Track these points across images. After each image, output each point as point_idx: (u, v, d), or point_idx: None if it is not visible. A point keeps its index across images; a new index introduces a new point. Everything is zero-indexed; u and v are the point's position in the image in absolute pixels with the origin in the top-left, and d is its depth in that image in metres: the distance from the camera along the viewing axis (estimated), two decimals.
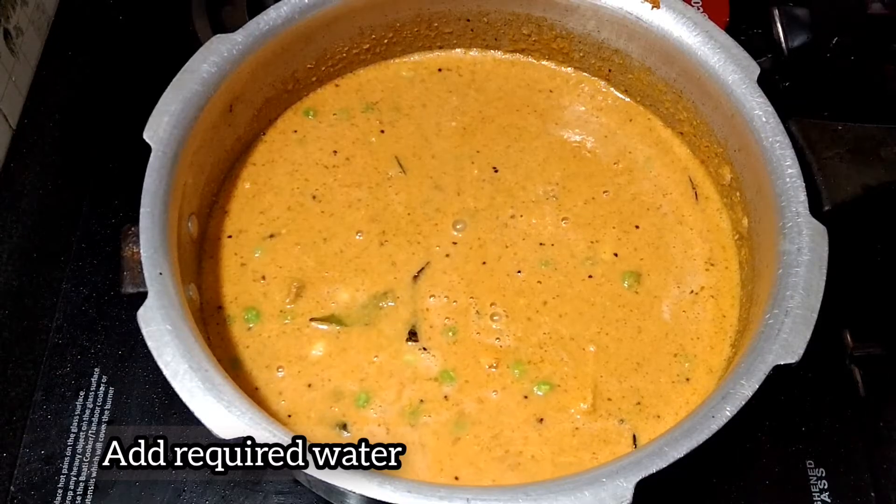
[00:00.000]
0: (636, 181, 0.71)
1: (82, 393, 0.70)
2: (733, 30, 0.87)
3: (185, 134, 0.62)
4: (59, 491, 0.66)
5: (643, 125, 0.74)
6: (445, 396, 0.61)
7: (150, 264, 0.56)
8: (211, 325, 0.64)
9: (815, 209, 0.60)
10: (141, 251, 0.57)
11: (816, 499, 0.66)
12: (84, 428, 0.68)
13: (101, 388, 0.70)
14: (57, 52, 0.88)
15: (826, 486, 0.67)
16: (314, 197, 0.70)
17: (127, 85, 0.85)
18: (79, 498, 0.65)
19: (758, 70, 0.65)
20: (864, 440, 0.69)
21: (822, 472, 0.67)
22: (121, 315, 0.73)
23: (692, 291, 0.66)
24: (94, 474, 0.66)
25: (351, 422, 0.61)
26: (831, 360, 0.71)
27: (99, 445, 0.67)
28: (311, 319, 0.64)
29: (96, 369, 0.71)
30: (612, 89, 0.76)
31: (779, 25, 0.86)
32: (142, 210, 0.58)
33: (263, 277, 0.66)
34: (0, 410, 0.69)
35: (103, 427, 0.68)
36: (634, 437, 0.60)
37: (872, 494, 0.66)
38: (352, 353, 0.63)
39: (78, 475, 0.66)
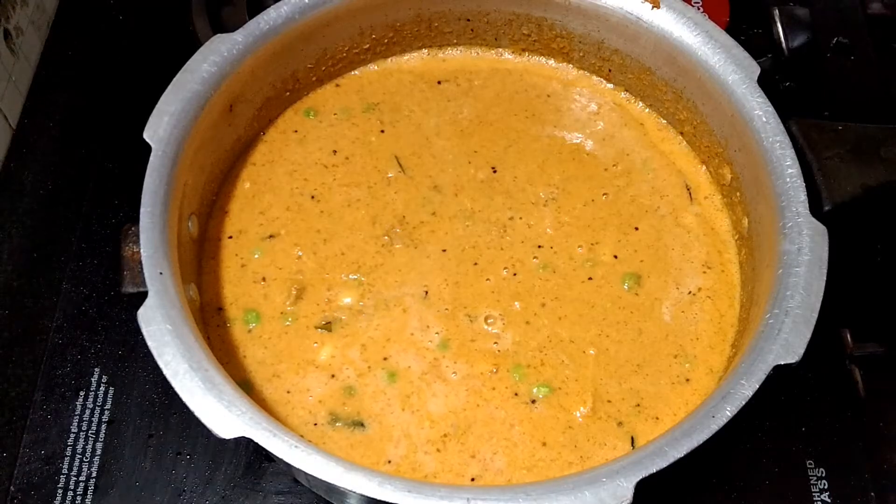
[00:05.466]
0: (635, 183, 0.71)
1: (82, 393, 0.70)
2: (733, 30, 0.87)
3: (185, 134, 0.62)
4: (59, 491, 0.66)
5: (643, 126, 0.74)
6: (447, 397, 0.62)
7: (150, 264, 0.56)
8: (211, 326, 0.64)
9: (816, 209, 0.60)
10: (141, 251, 0.57)
11: (816, 499, 0.66)
12: (84, 428, 0.68)
13: (101, 388, 0.70)
14: (57, 52, 0.88)
15: (826, 486, 0.67)
16: (313, 197, 0.70)
17: (127, 85, 0.85)
18: (79, 498, 0.66)
19: (758, 70, 0.65)
20: (864, 440, 0.69)
21: (822, 472, 0.67)
22: (121, 315, 0.73)
23: (690, 292, 0.66)
24: (94, 474, 0.66)
25: (366, 419, 0.61)
26: (831, 360, 0.71)
27: (99, 445, 0.67)
28: (317, 328, 0.64)
29: (96, 369, 0.71)
30: (611, 88, 0.76)
31: (779, 25, 0.86)
32: (142, 209, 0.58)
33: (264, 279, 0.66)
34: (0, 410, 0.69)
35: (103, 427, 0.68)
36: (633, 438, 0.60)
37: (872, 494, 0.66)
38: (355, 352, 0.63)
39: (78, 475, 0.66)
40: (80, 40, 0.89)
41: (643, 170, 0.72)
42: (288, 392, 0.62)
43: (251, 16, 0.68)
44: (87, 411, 0.69)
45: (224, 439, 0.51)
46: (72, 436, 0.68)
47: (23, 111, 0.84)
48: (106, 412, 0.69)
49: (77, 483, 0.66)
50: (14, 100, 0.83)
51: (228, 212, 0.69)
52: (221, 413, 0.51)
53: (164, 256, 0.57)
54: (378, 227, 0.68)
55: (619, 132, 0.74)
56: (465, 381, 0.62)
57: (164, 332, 0.54)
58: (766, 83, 0.65)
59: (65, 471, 0.67)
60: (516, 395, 0.62)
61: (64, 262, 0.76)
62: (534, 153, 0.72)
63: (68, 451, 0.67)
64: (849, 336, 0.72)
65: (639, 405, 0.62)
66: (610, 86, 0.76)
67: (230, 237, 0.68)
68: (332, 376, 0.62)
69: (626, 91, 0.75)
